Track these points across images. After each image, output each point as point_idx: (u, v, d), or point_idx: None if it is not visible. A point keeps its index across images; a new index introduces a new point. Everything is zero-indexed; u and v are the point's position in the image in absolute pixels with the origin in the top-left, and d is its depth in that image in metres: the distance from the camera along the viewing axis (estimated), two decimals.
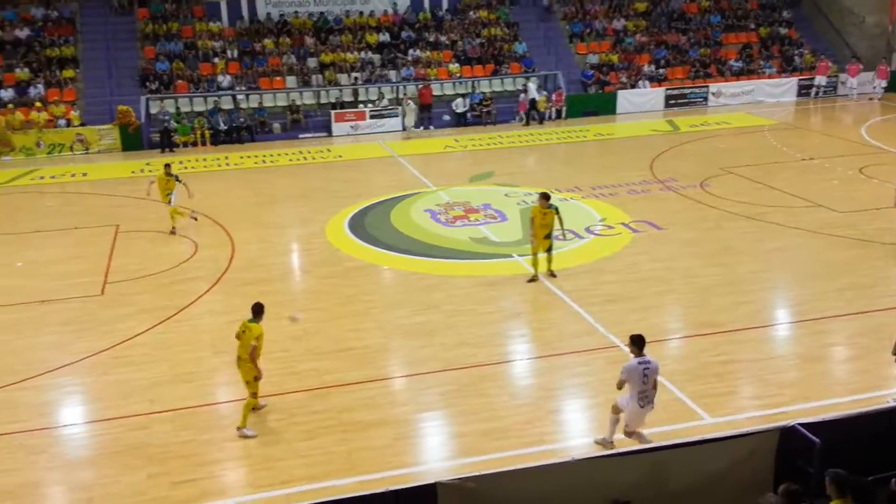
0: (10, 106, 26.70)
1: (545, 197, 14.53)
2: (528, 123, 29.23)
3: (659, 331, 12.54)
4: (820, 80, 32.31)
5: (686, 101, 31.41)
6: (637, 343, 9.09)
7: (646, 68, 32.15)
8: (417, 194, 20.39)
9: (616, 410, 9.35)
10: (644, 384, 8.94)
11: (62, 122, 26.83)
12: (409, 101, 28.08)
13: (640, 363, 8.96)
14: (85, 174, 24.07)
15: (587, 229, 17.32)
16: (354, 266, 15.67)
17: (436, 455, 9.66)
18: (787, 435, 7.89)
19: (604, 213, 18.44)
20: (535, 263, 14.55)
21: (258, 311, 9.99)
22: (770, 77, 32.72)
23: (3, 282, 15.31)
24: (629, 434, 9.21)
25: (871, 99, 31.83)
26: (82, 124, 26.95)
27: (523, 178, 21.71)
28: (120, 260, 16.26)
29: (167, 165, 18.23)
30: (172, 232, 17.52)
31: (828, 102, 31.89)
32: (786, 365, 11.48)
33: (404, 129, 27.93)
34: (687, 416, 10.05)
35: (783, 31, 35.08)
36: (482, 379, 11.10)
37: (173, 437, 9.90)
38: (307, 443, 9.67)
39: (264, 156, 25.71)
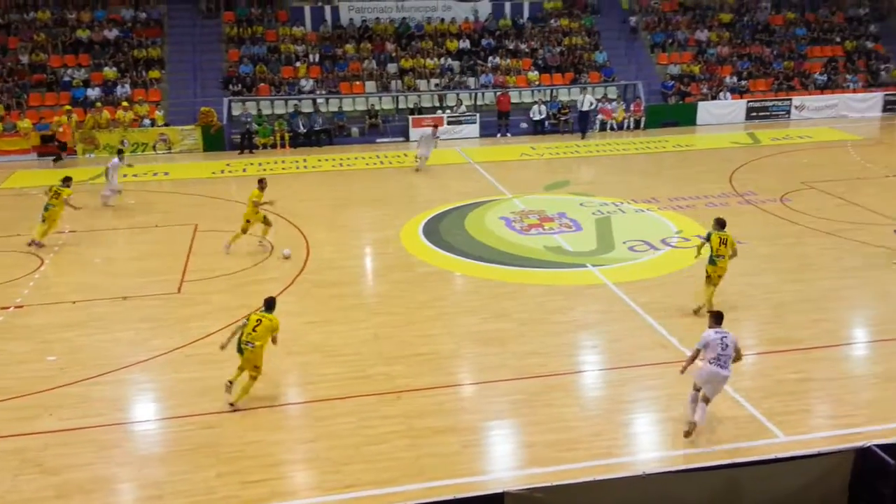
0: (98, 105, 27.85)
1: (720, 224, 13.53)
2: (584, 136, 28.78)
3: None
4: None
5: (768, 113, 30.75)
6: (716, 318, 10.08)
7: (728, 80, 31.61)
8: (493, 201, 20.58)
9: (696, 387, 9.87)
10: (723, 350, 9.69)
11: (146, 121, 27.89)
12: (430, 132, 24.82)
13: (717, 332, 9.82)
14: (167, 173, 24.88)
15: (663, 241, 17.19)
16: (428, 271, 15.91)
17: (503, 464, 9.72)
18: (863, 456, 7.78)
19: (680, 225, 18.27)
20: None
21: (271, 304, 10.98)
22: (855, 91, 31.77)
23: (84, 278, 15.79)
24: (707, 401, 9.77)
25: None
26: (166, 124, 27.99)
27: (599, 188, 21.67)
28: (197, 259, 16.69)
29: (261, 181, 17.42)
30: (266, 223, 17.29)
31: None
32: (863, 385, 11.25)
33: (417, 158, 24.54)
34: (761, 434, 9.93)
35: (870, 45, 34.00)
36: (552, 389, 11.18)
37: (243, 437, 10.05)
38: (375, 447, 9.77)
39: (342, 159, 26.29)
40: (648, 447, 9.98)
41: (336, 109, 29.60)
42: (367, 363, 11.99)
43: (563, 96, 30.65)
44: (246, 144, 27.40)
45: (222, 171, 24.89)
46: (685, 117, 30.25)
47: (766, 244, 16.89)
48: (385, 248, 17.43)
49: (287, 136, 28.08)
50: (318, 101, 29.61)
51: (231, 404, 10.68)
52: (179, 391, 11.34)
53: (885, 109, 31.38)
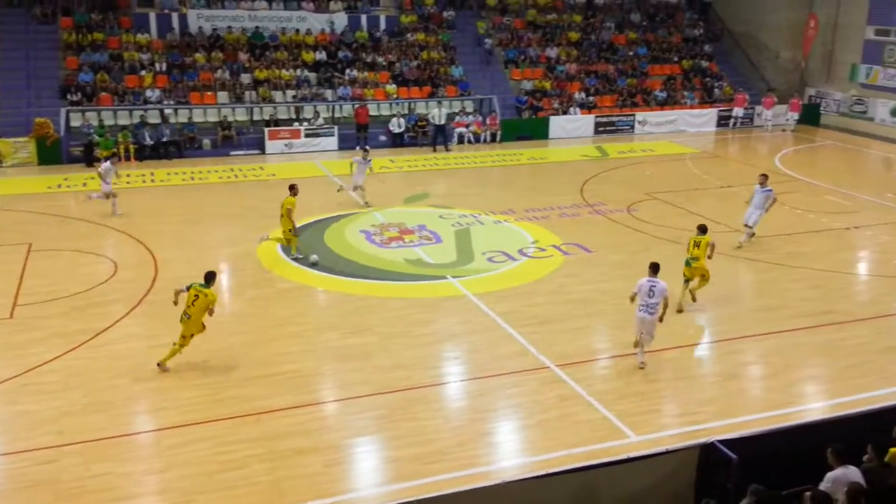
0: None
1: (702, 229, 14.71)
2: (435, 149, 29.07)
3: (588, 351, 12.90)
4: (738, 111, 33.72)
5: (614, 128, 32.34)
6: (653, 268, 12.33)
7: (577, 96, 33.00)
8: (352, 215, 20.41)
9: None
10: (649, 297, 11.98)
11: None
12: (361, 159, 22.02)
13: (648, 280, 12.12)
14: None
15: (521, 251, 17.62)
16: (286, 288, 15.55)
17: (368, 481, 9.60)
18: (707, 451, 8.23)
19: (536, 235, 18.81)
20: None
21: (210, 278, 11.89)
22: (692, 108, 33.99)
23: None
24: (636, 344, 12.19)
25: (784, 130, 33.35)
26: None
27: (458, 200, 21.97)
28: (32, 281, 15.54)
29: (292, 186, 16.82)
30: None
31: (745, 133, 33.29)
32: (706, 383, 11.97)
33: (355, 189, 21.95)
34: (615, 435, 10.33)
35: (704, 64, 36.53)
36: (415, 402, 11.16)
37: (86, 470, 9.41)
38: (232, 473, 9.39)
39: (193, 173, 25.29)
40: (510, 454, 10.15)
41: (186, 120, 28.45)
42: (223, 385, 11.53)
43: (422, 109, 30.94)
44: (88, 157, 25.80)
45: (59, 186, 23.32)
46: (538, 131, 31.30)
47: (615, 252, 17.67)
48: (241, 264, 16.88)
49: (132, 148, 26.71)
50: (167, 111, 28.37)
51: (158, 364, 11.75)
52: (13, 425, 10.49)
53: (719, 124, 33.74)
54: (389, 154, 28.42)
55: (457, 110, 30.74)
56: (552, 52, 34.58)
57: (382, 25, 33.72)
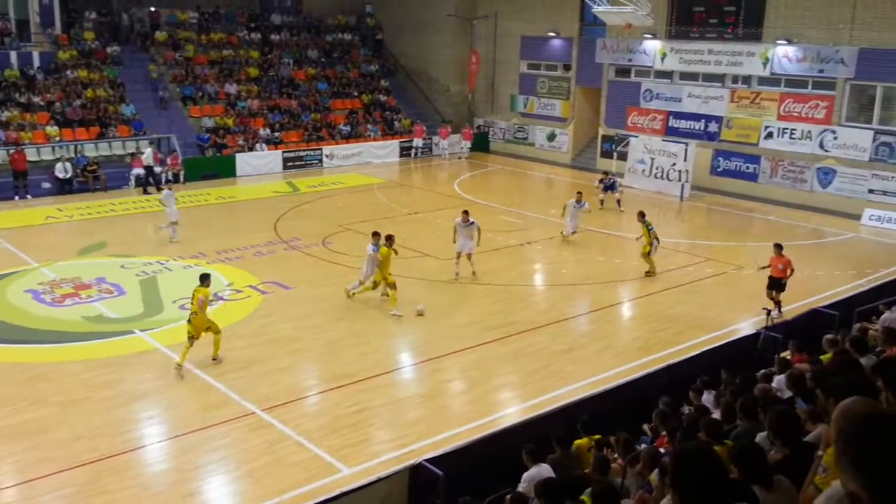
0: None
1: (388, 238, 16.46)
2: (146, 191, 27.47)
3: (294, 390, 12.62)
4: (417, 142, 35.77)
5: (303, 162, 32.49)
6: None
7: (262, 132, 32.66)
8: (14, 273, 18.03)
9: None
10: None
11: None
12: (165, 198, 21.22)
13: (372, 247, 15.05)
14: None
15: (216, 295, 16.81)
16: None
17: None
18: (416, 472, 8.42)
19: (231, 277, 18.13)
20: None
21: (203, 278, 13.49)
22: (375, 140, 35.37)
23: None
24: None
25: (459, 158, 36.03)
26: None
27: (141, 248, 20.44)
28: None
29: (387, 237, 16.60)
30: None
31: (425, 162, 35.39)
32: (411, 405, 12.31)
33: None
34: (326, 472, 10.18)
35: (383, 98, 38.26)
36: (106, 473, 10.06)
37: None
38: None
39: None
40: None
41: None
42: None
43: (90, 152, 28.46)
44: None
45: None
46: (225, 169, 30.38)
47: (314, 286, 17.63)
48: None
49: None
50: None
51: (213, 358, 13.31)
52: None
53: (401, 155, 35.44)
54: (56, 202, 25.70)
55: (132, 151, 28.77)
56: (232, 88, 33.91)
57: (37, 62, 30.54)
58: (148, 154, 27.80)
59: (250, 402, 12.00)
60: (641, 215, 18.76)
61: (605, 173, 27.61)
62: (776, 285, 15.98)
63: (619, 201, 25.99)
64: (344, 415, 11.76)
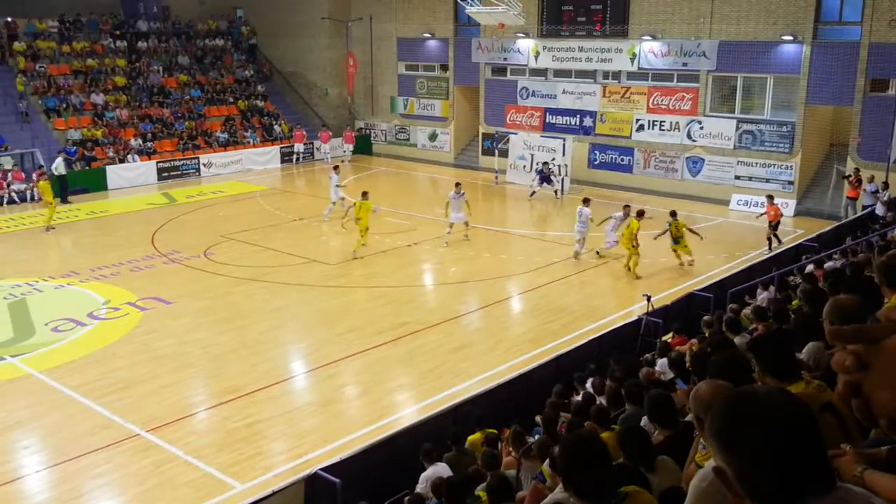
0: None
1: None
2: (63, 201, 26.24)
3: (180, 408, 12.16)
4: (298, 147, 35.20)
5: (179, 172, 31.35)
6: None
7: (133, 142, 31.31)
8: None
9: None
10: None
11: None
12: None
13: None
14: None
15: (91, 315, 16.02)
16: None
17: None
18: (312, 482, 8.27)
19: (107, 295, 17.28)
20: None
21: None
22: (255, 146, 34.58)
23: None
24: None
25: (342, 161, 35.64)
26: None
27: (7, 269, 19.15)
28: None
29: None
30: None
31: (308, 167, 34.88)
32: (304, 414, 12.09)
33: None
34: (219, 490, 9.87)
35: (260, 103, 37.45)
36: None
37: None
38: None
39: None
40: None
41: None
42: None
43: None
44: None
45: None
46: (95, 183, 28.93)
47: (197, 299, 17.05)
48: None
49: None
50: None
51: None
52: None
53: (283, 160, 34.77)
54: None
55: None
56: (98, 99, 32.34)
57: None
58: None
59: (134, 423, 11.48)
60: (673, 214, 19.40)
61: (544, 163, 27.99)
62: (773, 227, 20.52)
63: (556, 192, 27.38)
64: (235, 429, 11.43)
